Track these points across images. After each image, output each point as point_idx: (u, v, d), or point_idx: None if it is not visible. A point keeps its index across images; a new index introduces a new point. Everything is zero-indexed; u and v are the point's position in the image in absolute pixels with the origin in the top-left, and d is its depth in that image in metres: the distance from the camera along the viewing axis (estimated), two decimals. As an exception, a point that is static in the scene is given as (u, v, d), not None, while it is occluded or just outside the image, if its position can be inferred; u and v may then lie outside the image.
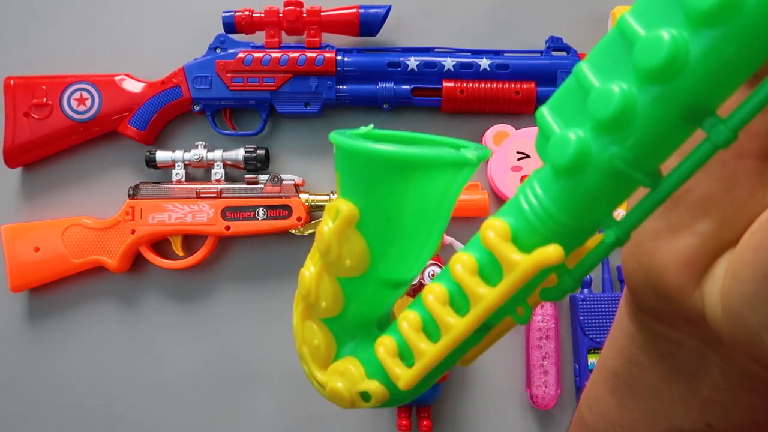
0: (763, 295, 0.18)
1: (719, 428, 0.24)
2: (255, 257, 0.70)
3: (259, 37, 0.69)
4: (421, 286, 0.62)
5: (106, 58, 0.72)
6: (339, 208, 0.22)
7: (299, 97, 0.68)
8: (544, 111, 0.19)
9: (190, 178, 0.69)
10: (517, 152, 0.68)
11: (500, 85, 0.67)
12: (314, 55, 0.67)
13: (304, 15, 0.67)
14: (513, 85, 0.67)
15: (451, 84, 0.67)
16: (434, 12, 0.72)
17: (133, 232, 0.67)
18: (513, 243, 0.19)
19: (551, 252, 0.18)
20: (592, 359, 0.66)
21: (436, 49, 0.69)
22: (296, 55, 0.67)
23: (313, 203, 0.66)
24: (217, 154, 0.67)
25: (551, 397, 0.65)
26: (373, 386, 0.23)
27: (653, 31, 0.15)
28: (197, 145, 0.67)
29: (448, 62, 0.67)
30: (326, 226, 0.22)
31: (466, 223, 0.67)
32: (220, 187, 0.67)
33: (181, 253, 0.68)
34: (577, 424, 0.32)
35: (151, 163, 0.67)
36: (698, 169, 0.17)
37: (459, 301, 0.21)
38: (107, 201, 0.69)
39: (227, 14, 0.67)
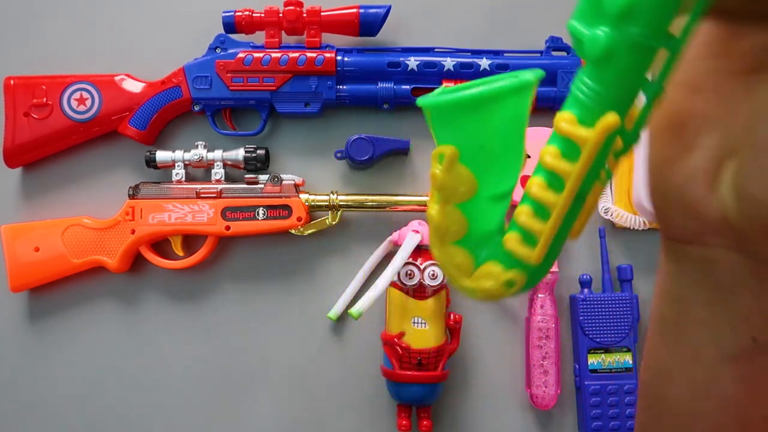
0: None
1: (764, 340, 0.26)
2: (255, 257, 0.70)
3: (259, 37, 0.69)
4: (421, 285, 0.62)
5: (106, 58, 0.72)
6: (443, 152, 0.27)
7: (299, 97, 0.68)
8: (574, 22, 0.23)
9: (190, 178, 0.69)
10: (517, 152, 0.68)
11: (500, 85, 0.67)
12: (314, 55, 0.67)
13: (304, 15, 0.67)
14: (513, 85, 0.67)
15: (451, 84, 0.67)
16: (434, 12, 0.72)
17: (133, 232, 0.67)
18: (581, 124, 0.24)
19: (610, 119, 0.23)
20: (592, 359, 0.65)
21: (436, 49, 0.69)
22: (296, 55, 0.67)
23: (313, 203, 0.67)
24: (217, 154, 0.67)
25: (551, 397, 0.65)
26: (513, 274, 0.28)
27: None
28: (197, 145, 0.67)
29: (448, 62, 0.67)
30: (436, 169, 0.27)
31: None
32: (220, 187, 0.67)
33: (181, 253, 0.68)
34: (641, 396, 0.33)
35: (151, 163, 0.67)
36: (700, 19, 0.22)
37: (555, 183, 0.25)
38: (107, 201, 0.69)
39: (227, 14, 0.67)
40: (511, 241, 0.27)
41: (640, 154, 0.69)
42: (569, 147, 0.25)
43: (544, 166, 0.26)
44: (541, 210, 0.26)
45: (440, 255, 0.30)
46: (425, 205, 0.67)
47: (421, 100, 0.27)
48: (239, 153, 0.67)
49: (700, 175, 0.24)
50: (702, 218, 0.25)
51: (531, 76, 0.26)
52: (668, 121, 0.26)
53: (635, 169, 0.65)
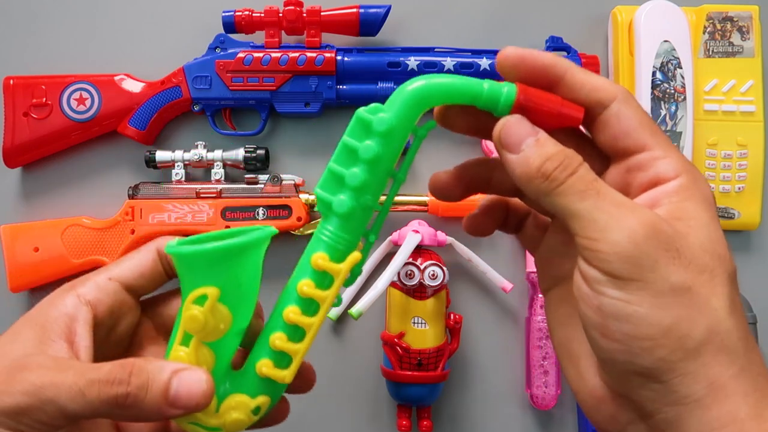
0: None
1: None
2: (255, 257, 0.70)
3: (259, 37, 0.69)
4: (421, 285, 0.62)
5: (106, 58, 0.72)
6: (205, 293, 0.31)
7: (299, 97, 0.68)
8: (319, 191, 0.33)
9: (190, 178, 0.69)
10: (517, 152, 0.68)
11: (500, 85, 0.67)
12: (314, 54, 0.67)
13: (304, 15, 0.67)
14: (513, 85, 0.67)
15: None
16: (434, 12, 0.72)
17: (132, 232, 0.67)
18: (332, 261, 0.32)
19: (356, 256, 0.32)
20: (592, 359, 0.65)
21: (436, 49, 0.69)
22: (296, 55, 0.67)
23: (313, 203, 0.66)
24: (217, 154, 0.67)
25: (551, 398, 0.65)
26: (260, 400, 0.32)
27: (363, 143, 0.32)
28: (197, 145, 0.67)
29: (448, 62, 0.67)
30: (195, 311, 0.30)
31: (466, 223, 0.66)
32: (219, 187, 0.67)
33: (180, 253, 0.68)
34: None
35: (150, 163, 0.67)
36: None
37: (309, 309, 0.32)
38: (107, 201, 0.69)
39: (227, 14, 0.67)
40: (265, 367, 0.32)
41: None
42: (322, 279, 0.32)
43: (301, 296, 0.32)
44: (295, 333, 0.32)
45: None
46: (425, 205, 0.67)
47: (170, 249, 0.32)
48: (239, 153, 0.67)
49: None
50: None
51: (267, 232, 0.33)
52: None
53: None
